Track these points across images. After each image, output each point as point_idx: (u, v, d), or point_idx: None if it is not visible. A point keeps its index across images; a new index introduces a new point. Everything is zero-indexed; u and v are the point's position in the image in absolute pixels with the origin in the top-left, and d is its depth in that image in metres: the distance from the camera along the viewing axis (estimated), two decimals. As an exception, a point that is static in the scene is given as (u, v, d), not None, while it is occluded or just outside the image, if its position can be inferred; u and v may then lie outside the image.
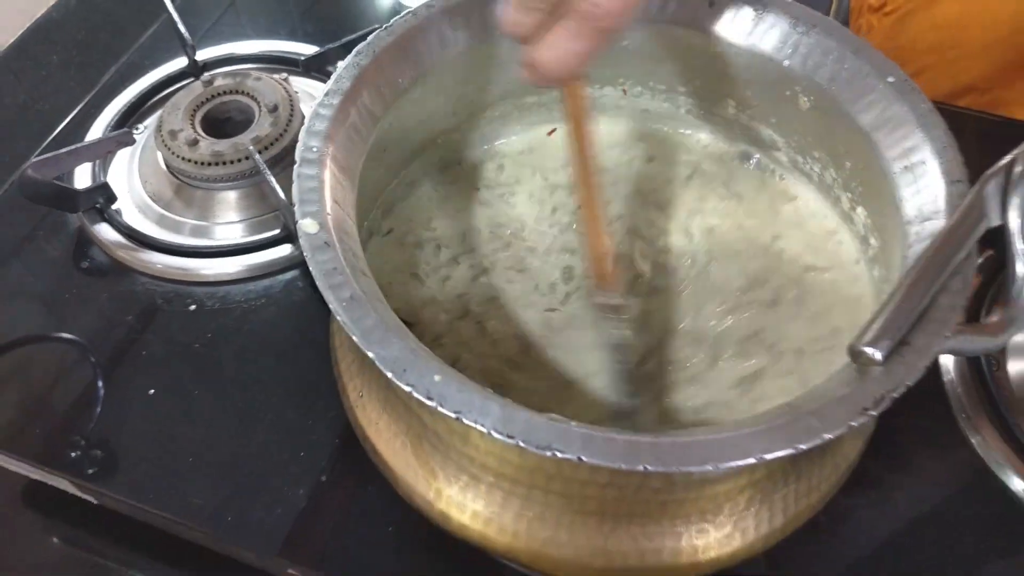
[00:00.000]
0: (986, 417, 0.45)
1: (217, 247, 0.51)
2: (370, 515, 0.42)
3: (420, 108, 0.35)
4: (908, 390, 0.45)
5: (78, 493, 0.47)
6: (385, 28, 0.33)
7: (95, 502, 0.48)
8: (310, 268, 0.26)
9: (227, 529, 0.41)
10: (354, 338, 0.25)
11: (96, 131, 0.57)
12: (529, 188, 0.41)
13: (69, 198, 0.51)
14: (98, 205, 0.52)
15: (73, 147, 0.51)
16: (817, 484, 0.31)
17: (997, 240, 0.30)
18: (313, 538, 0.41)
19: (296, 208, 0.28)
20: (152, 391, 0.46)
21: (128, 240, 0.51)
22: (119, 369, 0.46)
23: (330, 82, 0.31)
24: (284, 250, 0.51)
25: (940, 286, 0.26)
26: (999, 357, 0.47)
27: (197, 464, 0.43)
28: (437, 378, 0.24)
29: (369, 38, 0.33)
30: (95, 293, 0.50)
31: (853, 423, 0.23)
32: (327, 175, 0.29)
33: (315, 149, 0.29)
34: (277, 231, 0.51)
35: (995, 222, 0.28)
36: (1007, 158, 0.29)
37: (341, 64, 0.32)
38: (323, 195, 0.28)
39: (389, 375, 0.24)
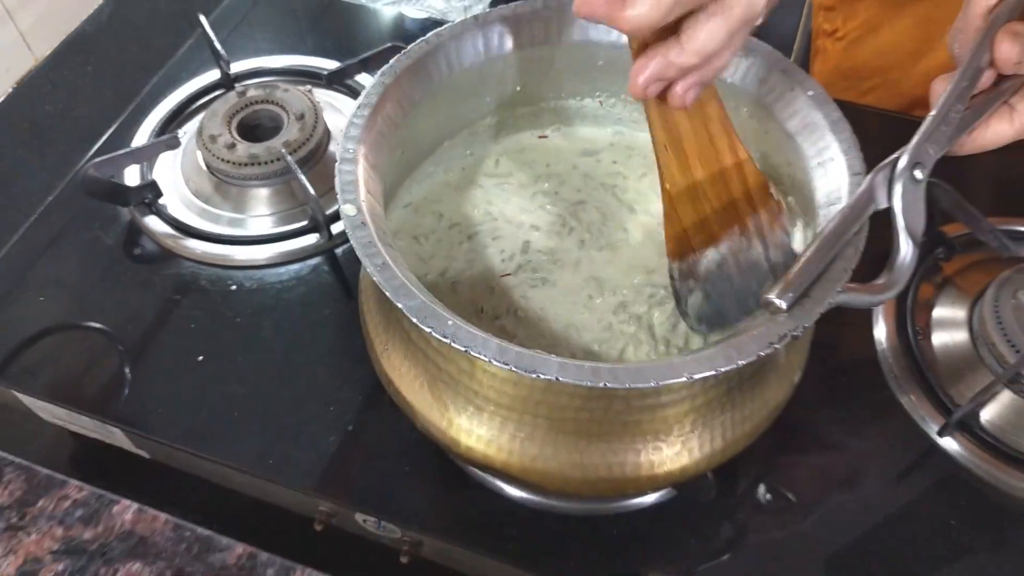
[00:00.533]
0: (913, 380, 0.53)
1: (252, 236, 0.59)
2: (390, 456, 0.50)
3: (432, 117, 0.43)
4: (849, 360, 0.53)
5: (132, 448, 0.55)
6: (404, 53, 0.41)
7: (148, 456, 0.56)
8: (351, 241, 0.34)
9: (269, 470, 0.49)
10: (387, 294, 0.33)
11: (141, 136, 0.65)
12: (519, 179, 0.48)
13: (123, 194, 0.59)
14: (147, 200, 0.60)
15: (129, 150, 0.59)
16: (749, 416, 0.39)
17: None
18: (342, 476, 0.49)
19: (339, 196, 0.35)
20: (201, 358, 0.53)
21: (174, 230, 0.59)
22: (171, 339, 0.54)
23: (361, 97, 0.39)
24: (311, 239, 0.59)
25: (836, 253, 0.34)
26: (924, 329, 0.55)
27: (241, 418, 0.51)
28: (450, 323, 0.32)
29: (391, 61, 0.41)
30: (147, 275, 0.58)
31: (761, 353, 0.31)
32: (360, 171, 0.37)
33: (351, 150, 0.37)
34: (304, 222, 0.59)
35: (882, 205, 0.36)
36: (894, 155, 0.37)
37: (370, 81, 0.39)
38: (358, 186, 0.36)
39: (414, 320, 0.32)
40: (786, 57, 0.42)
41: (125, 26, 0.81)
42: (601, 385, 0.31)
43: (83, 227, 0.60)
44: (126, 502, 0.34)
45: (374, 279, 0.33)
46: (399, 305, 0.32)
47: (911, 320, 0.55)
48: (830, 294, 0.33)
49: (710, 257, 0.40)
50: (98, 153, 0.64)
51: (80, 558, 0.31)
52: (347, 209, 0.35)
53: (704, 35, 0.34)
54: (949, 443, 0.51)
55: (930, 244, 0.58)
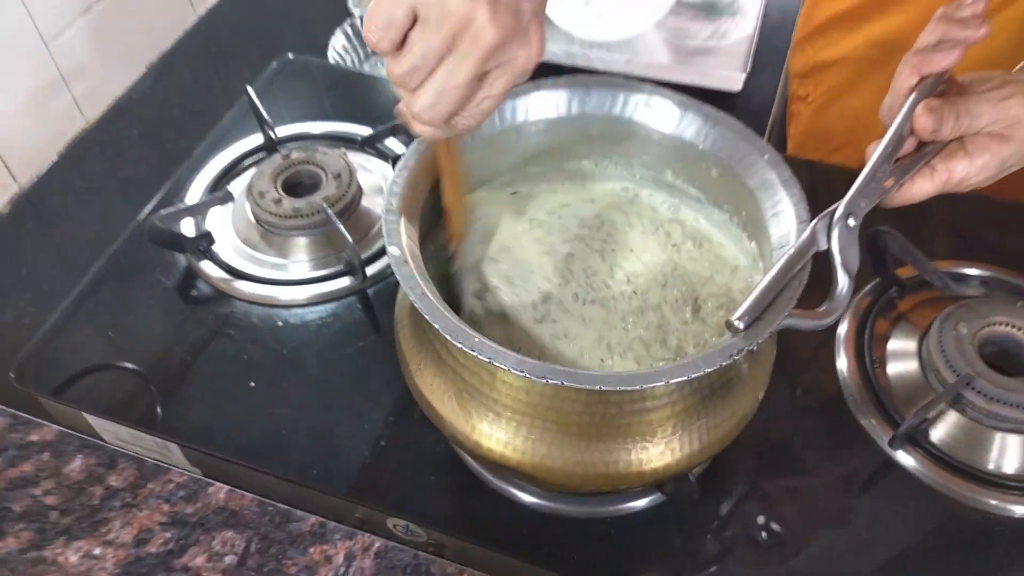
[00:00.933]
0: (871, 404, 0.61)
1: (293, 279, 0.67)
2: (416, 468, 0.57)
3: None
4: (813, 386, 0.61)
5: (187, 466, 0.63)
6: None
7: (201, 475, 0.64)
8: (396, 275, 0.42)
9: (312, 480, 0.57)
10: (425, 316, 0.41)
11: (195, 192, 0.74)
12: (532, 231, 0.57)
13: (183, 242, 0.68)
14: (202, 247, 0.68)
15: (190, 204, 0.68)
16: (720, 423, 0.47)
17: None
18: (375, 485, 0.57)
19: (385, 239, 0.44)
20: (252, 384, 0.61)
21: (226, 273, 0.67)
22: (225, 368, 0.63)
23: (401, 160, 0.48)
24: (345, 281, 0.67)
25: (784, 285, 0.43)
26: (880, 359, 0.63)
27: (287, 436, 0.59)
28: (476, 339, 0.40)
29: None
30: (203, 314, 0.66)
31: (723, 363, 0.40)
32: (401, 220, 0.46)
33: (393, 204, 0.46)
34: (338, 267, 0.68)
35: (823, 247, 0.44)
36: (832, 207, 0.45)
37: (397, 145, 0.48)
38: (400, 232, 0.45)
39: (448, 337, 0.40)
40: (748, 127, 0.52)
41: (170, 93, 0.91)
42: (597, 388, 0.39)
43: (146, 272, 0.69)
44: (219, 484, 0.42)
45: (415, 305, 0.41)
46: (435, 326, 0.41)
47: (868, 352, 0.63)
48: (779, 318, 0.42)
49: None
50: (157, 207, 0.73)
51: (183, 528, 0.39)
52: (392, 250, 0.43)
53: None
54: (906, 459, 0.58)
55: (885, 285, 0.66)
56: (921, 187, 0.48)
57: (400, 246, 0.44)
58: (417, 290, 0.42)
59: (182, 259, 0.69)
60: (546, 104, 0.54)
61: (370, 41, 0.41)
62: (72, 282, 0.68)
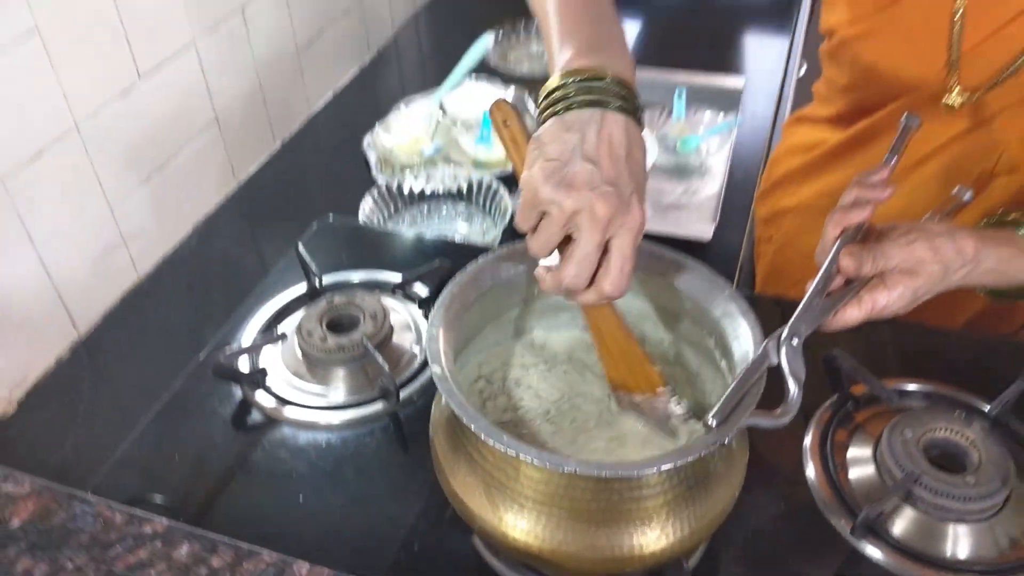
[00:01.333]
0: (837, 504, 0.70)
1: (334, 404, 0.78)
2: (439, 564, 0.66)
3: (479, 311, 0.64)
4: (787, 491, 0.71)
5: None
6: (462, 271, 0.63)
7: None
8: (439, 389, 0.54)
9: (352, 569, 0.65)
10: (463, 420, 0.52)
11: (249, 334, 0.86)
12: (534, 360, 0.68)
13: (241, 376, 0.79)
14: (258, 380, 0.80)
15: (249, 345, 0.80)
16: (705, 513, 0.56)
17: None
18: (409, 581, 0.65)
19: (429, 360, 0.55)
20: (301, 496, 0.71)
21: (276, 402, 0.78)
22: (277, 483, 0.72)
23: (439, 299, 0.60)
24: (378, 406, 0.78)
25: (743, 393, 0.54)
26: (842, 464, 0.73)
27: (331, 539, 0.68)
28: (504, 438, 0.51)
29: (455, 276, 0.62)
30: (257, 437, 0.76)
31: (702, 453, 0.50)
32: (440, 346, 0.58)
33: (434, 334, 0.58)
34: (374, 393, 0.79)
35: (774, 363, 0.56)
36: (778, 330, 0.57)
37: (445, 291, 0.61)
38: (440, 356, 0.57)
39: (482, 436, 0.51)
40: (716, 269, 0.64)
41: (212, 249, 1.05)
42: (603, 474, 0.49)
43: (205, 403, 0.79)
44: (303, 563, 0.51)
45: (456, 412, 0.52)
46: (471, 426, 0.51)
47: (832, 459, 0.73)
48: (743, 418, 0.53)
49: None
50: (214, 348, 0.85)
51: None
52: (435, 369, 0.55)
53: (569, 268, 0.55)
54: (873, 551, 0.67)
55: (842, 400, 0.77)
56: (851, 314, 0.60)
57: (441, 366, 0.56)
58: (456, 399, 0.53)
59: (237, 392, 0.80)
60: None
61: (520, 227, 0.57)
62: (132, 418, 0.79)
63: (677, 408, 0.62)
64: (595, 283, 0.56)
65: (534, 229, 0.56)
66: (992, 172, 0.79)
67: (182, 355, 0.85)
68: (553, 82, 0.58)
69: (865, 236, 0.63)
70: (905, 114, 0.65)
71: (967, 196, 0.70)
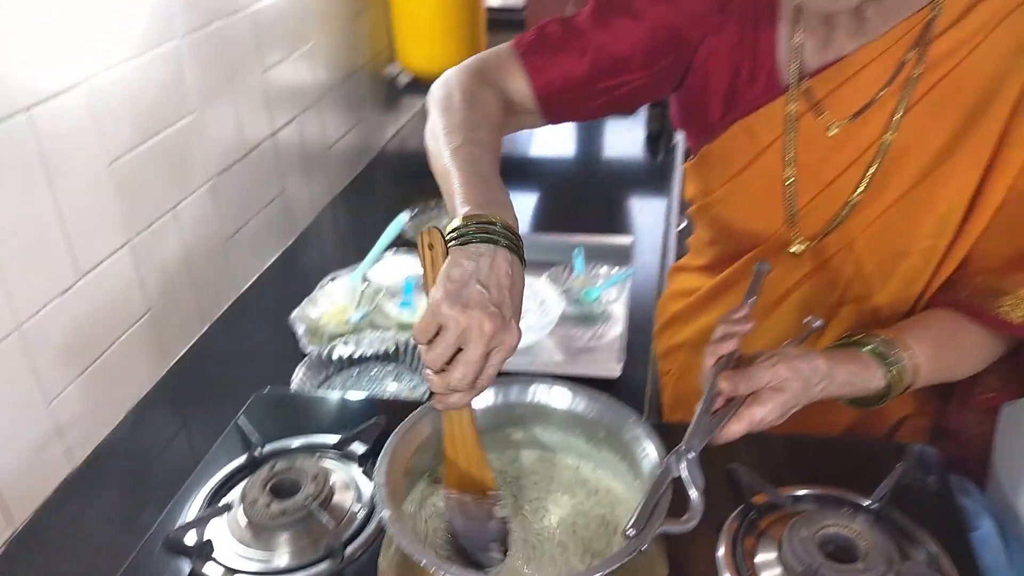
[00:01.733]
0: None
1: (280, 568, 0.81)
2: None
3: (420, 458, 0.72)
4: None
5: None
6: (401, 427, 0.71)
7: None
8: (392, 530, 0.60)
9: None
10: (414, 555, 0.58)
11: (195, 507, 0.89)
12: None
13: (188, 550, 0.82)
14: (206, 553, 0.82)
15: (199, 517, 0.84)
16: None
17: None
18: None
19: (378, 506, 0.62)
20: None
21: (225, 572, 0.81)
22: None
23: (382, 454, 0.68)
24: (323, 566, 0.82)
25: (655, 503, 0.63)
26: (752, 568, 0.81)
27: None
28: (452, 568, 0.58)
29: (396, 430, 0.70)
30: (207, 607, 0.78)
31: (624, 559, 0.58)
32: (387, 493, 0.64)
33: (381, 483, 0.65)
34: (320, 553, 0.82)
35: (676, 475, 0.66)
36: (676, 447, 0.67)
37: (390, 440, 0.68)
38: (387, 501, 0.63)
39: (433, 569, 0.57)
40: (624, 401, 0.75)
41: (148, 432, 1.09)
42: (537, 587, 0.56)
43: (156, 577, 0.81)
44: None
45: (405, 550, 0.59)
46: (422, 560, 0.58)
47: (743, 565, 0.81)
48: (656, 526, 0.61)
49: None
50: (163, 522, 0.87)
51: None
52: (385, 514, 0.62)
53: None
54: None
55: (746, 510, 0.87)
56: (735, 428, 0.71)
57: (390, 511, 0.62)
58: (404, 540, 0.60)
59: (186, 567, 0.82)
60: (482, 397, 0.76)
61: (417, 340, 0.66)
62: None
63: (500, 511, 0.71)
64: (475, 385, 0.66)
65: (430, 342, 0.65)
66: (839, 302, 0.95)
67: (123, 541, 0.87)
68: (456, 223, 0.71)
69: (737, 363, 0.75)
70: (756, 263, 0.80)
71: (817, 323, 0.84)
